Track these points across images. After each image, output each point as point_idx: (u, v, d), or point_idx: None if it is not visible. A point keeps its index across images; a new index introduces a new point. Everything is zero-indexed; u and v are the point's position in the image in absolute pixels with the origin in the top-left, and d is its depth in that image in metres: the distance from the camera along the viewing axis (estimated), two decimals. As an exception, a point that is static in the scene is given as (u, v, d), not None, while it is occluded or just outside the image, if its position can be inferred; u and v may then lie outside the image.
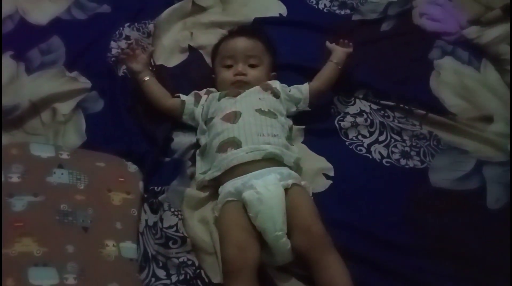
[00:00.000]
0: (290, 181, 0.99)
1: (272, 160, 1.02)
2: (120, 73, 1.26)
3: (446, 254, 0.97)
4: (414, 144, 1.17)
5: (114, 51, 1.31)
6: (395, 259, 0.95)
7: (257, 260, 0.90)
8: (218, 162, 1.04)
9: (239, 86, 1.18)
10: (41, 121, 1.17)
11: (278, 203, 0.94)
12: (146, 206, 1.04)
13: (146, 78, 1.19)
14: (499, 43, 1.36)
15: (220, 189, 1.02)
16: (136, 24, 1.40)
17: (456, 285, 0.91)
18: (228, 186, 1.00)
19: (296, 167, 1.07)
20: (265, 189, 0.95)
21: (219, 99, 1.15)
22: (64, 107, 1.20)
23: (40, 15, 1.43)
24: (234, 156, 1.02)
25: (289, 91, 1.19)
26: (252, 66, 1.21)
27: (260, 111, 1.10)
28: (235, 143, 1.04)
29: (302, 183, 1.02)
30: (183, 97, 1.19)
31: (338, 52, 1.24)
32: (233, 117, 1.08)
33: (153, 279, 0.93)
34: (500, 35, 1.37)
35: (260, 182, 0.96)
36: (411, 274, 0.93)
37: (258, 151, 1.02)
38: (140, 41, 1.33)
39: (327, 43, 1.28)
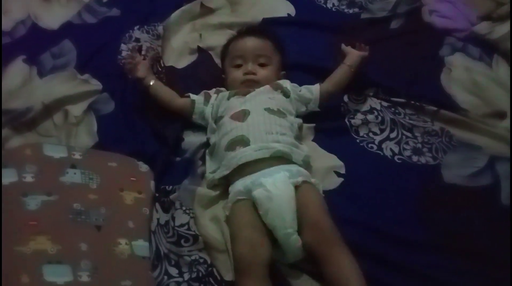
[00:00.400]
0: (300, 179, 0.98)
1: (281, 158, 1.02)
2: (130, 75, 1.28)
3: (459, 250, 0.95)
4: (426, 140, 1.16)
5: (124, 53, 1.33)
6: (407, 255, 0.94)
7: (268, 258, 0.90)
8: (227, 160, 1.04)
9: (249, 85, 1.18)
10: (53, 123, 1.19)
11: (287, 201, 0.94)
12: (157, 205, 1.05)
13: (152, 83, 1.19)
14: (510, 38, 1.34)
15: (230, 188, 1.03)
16: (145, 26, 1.42)
17: (469, 281, 0.90)
18: (238, 185, 1.00)
19: (306, 165, 1.07)
20: (275, 187, 0.95)
21: (228, 98, 1.16)
22: (76, 109, 1.21)
23: (51, 20, 1.46)
24: (242, 154, 1.02)
25: (300, 91, 1.20)
26: (261, 65, 1.21)
27: (269, 110, 1.10)
28: (243, 142, 1.04)
29: (312, 180, 1.02)
30: (193, 96, 1.20)
31: (353, 55, 1.23)
32: (242, 115, 1.08)
33: (165, 277, 0.93)
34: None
35: (270, 180, 0.96)
36: (423, 270, 0.92)
37: (266, 149, 1.02)
38: (137, 47, 1.33)
39: (343, 46, 1.27)
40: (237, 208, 0.97)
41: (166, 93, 1.20)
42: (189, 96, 1.20)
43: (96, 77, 1.28)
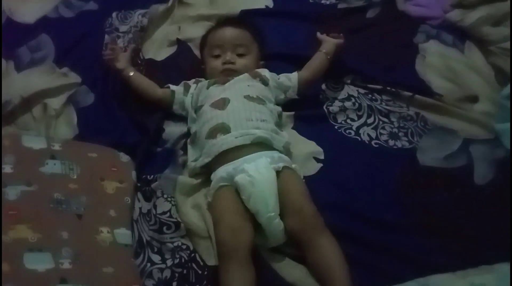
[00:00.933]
0: (281, 164, 1.00)
1: (262, 145, 1.04)
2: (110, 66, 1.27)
3: (436, 229, 0.98)
4: (401, 125, 1.19)
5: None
6: (386, 236, 0.97)
7: (251, 242, 0.91)
8: (208, 148, 1.05)
9: (228, 74, 1.19)
10: (32, 116, 1.18)
11: (270, 185, 0.96)
12: (139, 194, 1.05)
13: (131, 73, 1.20)
14: (482, 24, 1.38)
15: (212, 176, 1.04)
16: (123, 11, 1.42)
17: (446, 258, 0.93)
18: (220, 172, 1.01)
19: (286, 152, 1.08)
20: (257, 172, 0.96)
21: (208, 87, 1.17)
22: (55, 102, 1.21)
23: (27, 14, 1.44)
24: (223, 141, 1.03)
25: (278, 79, 1.21)
26: (240, 55, 1.22)
27: (248, 97, 1.11)
28: (224, 129, 1.05)
29: (293, 166, 1.04)
30: (172, 87, 1.21)
31: (329, 43, 1.25)
32: (222, 103, 1.09)
33: (148, 264, 0.94)
34: (482, 17, 1.39)
35: (252, 166, 0.98)
36: (402, 249, 0.94)
37: (247, 136, 1.03)
38: (116, 39, 1.34)
39: (318, 34, 1.29)
40: (220, 194, 0.99)
41: (146, 84, 1.21)
42: (168, 87, 1.21)
43: (75, 70, 1.27)
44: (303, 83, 1.21)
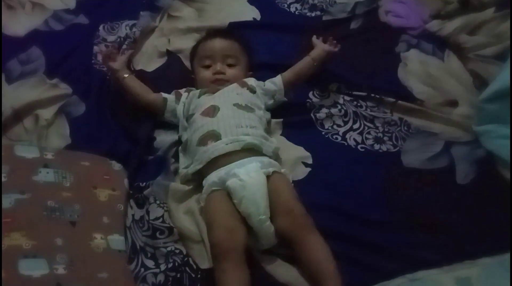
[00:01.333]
0: (270, 169, 1.03)
1: (252, 151, 1.07)
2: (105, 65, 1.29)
3: (422, 227, 1.02)
4: (386, 130, 1.24)
5: (98, 57, 1.36)
6: (375, 234, 1.00)
7: (245, 242, 0.93)
8: (199, 155, 1.08)
9: (219, 84, 1.22)
10: (24, 127, 1.19)
11: (260, 189, 0.98)
12: (132, 202, 1.06)
13: (126, 75, 1.23)
14: (459, 33, 1.45)
15: (204, 181, 1.06)
16: (109, 23, 1.46)
17: (432, 254, 0.96)
18: (212, 177, 1.03)
19: (275, 157, 1.11)
20: (248, 176, 0.99)
21: (199, 97, 1.20)
22: (46, 113, 1.22)
23: (18, 28, 1.46)
24: (214, 148, 1.06)
25: (264, 86, 1.25)
26: (230, 65, 1.26)
27: (237, 105, 1.14)
28: (214, 136, 1.08)
29: (282, 170, 1.07)
30: (164, 95, 1.23)
31: (318, 49, 1.29)
32: (212, 111, 1.12)
33: (142, 269, 0.95)
34: (459, 26, 1.46)
35: (243, 170, 1.00)
36: (390, 247, 0.98)
37: (237, 142, 1.06)
38: (118, 43, 1.37)
39: (313, 38, 1.33)
40: (213, 198, 1.01)
41: (139, 88, 1.23)
42: (161, 95, 1.23)
43: (65, 81, 1.29)
44: (287, 85, 1.25)
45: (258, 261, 0.96)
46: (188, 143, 1.13)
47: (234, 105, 1.14)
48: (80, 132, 1.18)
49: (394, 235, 1.00)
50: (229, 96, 1.17)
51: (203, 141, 1.08)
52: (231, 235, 0.92)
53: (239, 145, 1.06)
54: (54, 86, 1.28)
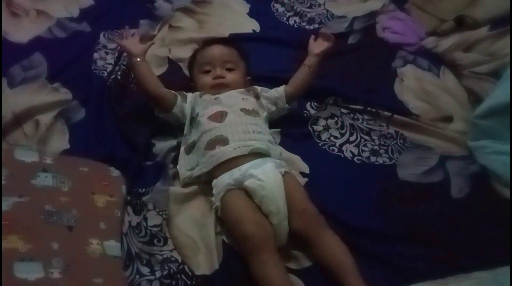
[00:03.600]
0: (282, 170, 1.06)
1: (259, 155, 1.09)
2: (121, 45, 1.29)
3: (416, 239, 1.03)
4: (382, 143, 1.26)
5: (98, 63, 1.38)
6: (368, 245, 1.01)
7: (274, 234, 0.96)
8: (206, 159, 1.09)
9: (219, 88, 1.24)
10: (23, 132, 1.19)
11: (279, 187, 1.01)
12: (129, 208, 1.06)
13: (140, 59, 1.21)
14: (454, 50, 1.48)
15: (213, 183, 1.07)
16: (109, 31, 1.48)
17: (426, 265, 0.97)
18: (226, 178, 1.05)
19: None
20: (265, 176, 1.01)
21: (201, 96, 1.22)
22: (46, 118, 1.22)
23: (21, 35, 1.47)
24: (222, 153, 1.08)
25: (267, 93, 1.27)
26: (228, 70, 1.28)
27: (244, 110, 1.16)
28: (222, 141, 1.10)
29: (292, 171, 1.10)
30: (174, 92, 1.23)
31: (311, 55, 1.30)
32: (220, 116, 1.14)
33: (137, 276, 0.95)
34: (454, 44, 1.50)
35: (259, 171, 1.02)
36: (385, 258, 0.99)
37: (245, 147, 1.08)
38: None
39: (310, 40, 1.33)
40: (232, 196, 1.02)
41: (152, 76, 1.22)
42: (172, 91, 1.22)
43: (67, 86, 1.30)
44: (289, 97, 1.27)
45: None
46: (195, 146, 1.15)
47: (241, 110, 1.16)
48: (79, 137, 1.19)
49: (389, 247, 1.02)
50: (236, 101, 1.19)
51: (211, 145, 1.10)
52: (262, 227, 0.95)
53: (247, 150, 1.08)
54: (55, 90, 1.29)
